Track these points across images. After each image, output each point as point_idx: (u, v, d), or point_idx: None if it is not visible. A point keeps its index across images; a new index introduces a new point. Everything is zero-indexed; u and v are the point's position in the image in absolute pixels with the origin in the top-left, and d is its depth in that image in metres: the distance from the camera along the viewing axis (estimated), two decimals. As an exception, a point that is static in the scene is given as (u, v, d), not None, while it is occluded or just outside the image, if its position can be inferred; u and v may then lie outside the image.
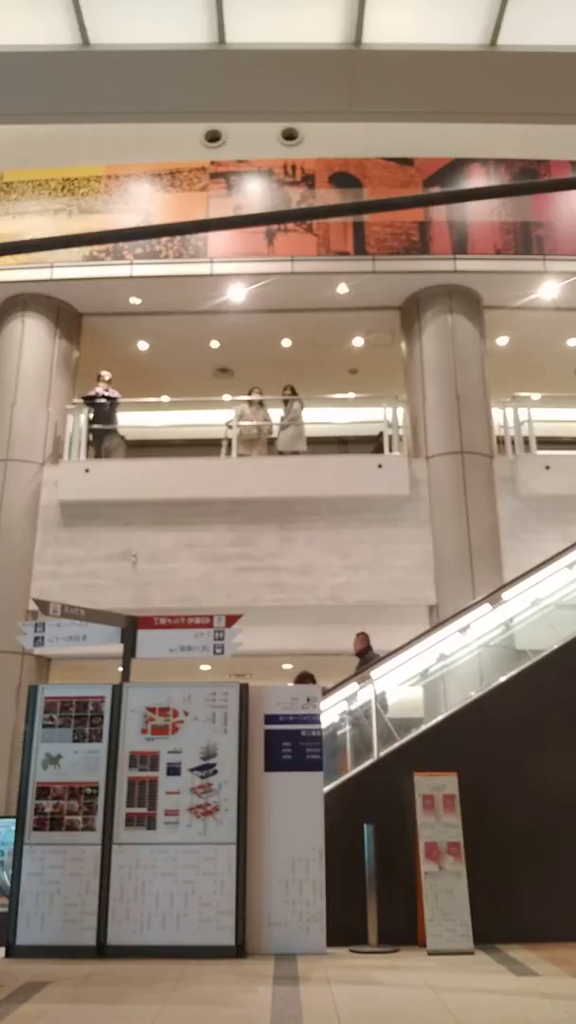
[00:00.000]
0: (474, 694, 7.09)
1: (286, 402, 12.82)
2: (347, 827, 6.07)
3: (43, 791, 5.89)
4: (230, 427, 12.34)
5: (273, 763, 5.98)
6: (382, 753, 6.72)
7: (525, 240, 12.87)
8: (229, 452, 12.19)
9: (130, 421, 13.81)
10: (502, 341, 13.75)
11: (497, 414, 12.72)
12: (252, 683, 6.26)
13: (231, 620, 6.51)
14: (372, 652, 9.29)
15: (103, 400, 12.58)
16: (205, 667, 11.23)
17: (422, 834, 6.00)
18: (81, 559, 11.57)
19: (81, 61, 13.25)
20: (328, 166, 13.28)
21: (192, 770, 5.88)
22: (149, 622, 6.60)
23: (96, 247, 12.41)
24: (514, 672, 7.02)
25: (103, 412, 12.54)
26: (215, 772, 5.87)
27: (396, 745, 6.77)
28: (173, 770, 5.89)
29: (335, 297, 12.99)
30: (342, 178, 13.20)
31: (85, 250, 12.53)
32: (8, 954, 5.57)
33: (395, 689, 7.70)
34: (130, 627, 6.58)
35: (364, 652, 9.41)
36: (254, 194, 13.15)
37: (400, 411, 12.52)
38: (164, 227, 8.97)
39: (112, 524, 11.68)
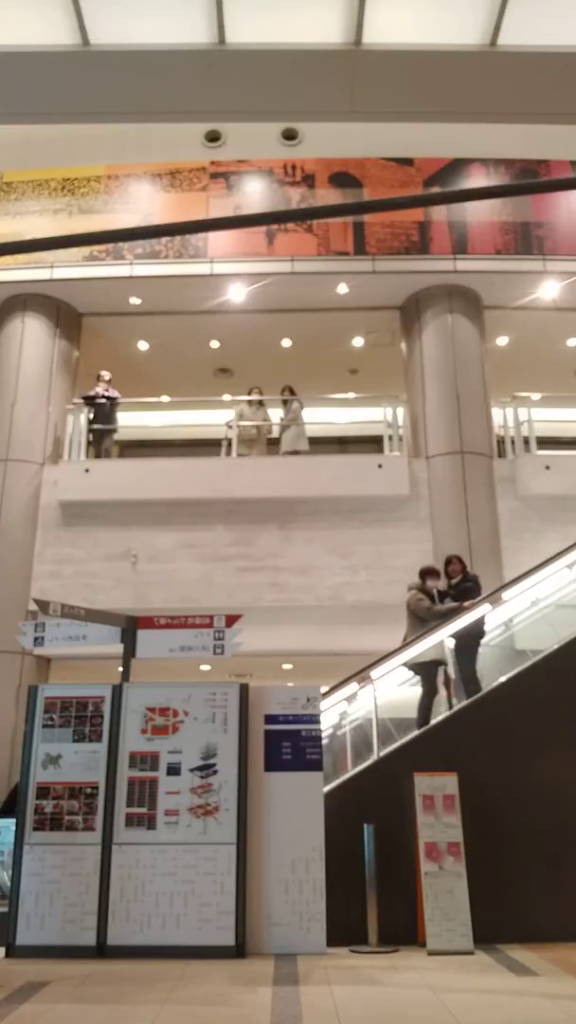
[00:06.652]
0: (474, 694, 7.09)
1: (286, 402, 12.82)
2: (347, 827, 6.07)
3: (43, 791, 5.90)
4: (230, 427, 12.34)
5: (273, 763, 5.99)
6: (382, 753, 6.73)
7: (525, 240, 12.86)
8: (229, 452, 12.19)
9: (130, 421, 13.80)
10: (502, 341, 13.73)
11: (497, 414, 12.72)
12: (252, 683, 6.26)
13: (231, 620, 6.51)
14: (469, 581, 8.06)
15: (103, 400, 12.57)
16: (205, 667, 11.22)
17: (422, 834, 6.00)
18: (81, 559, 11.56)
19: (81, 61, 13.24)
20: (328, 166, 13.26)
21: (192, 770, 5.89)
22: (149, 622, 6.61)
23: (96, 247, 12.40)
24: (514, 672, 7.03)
25: (103, 412, 12.53)
26: (215, 772, 5.87)
27: (396, 745, 6.77)
28: (173, 770, 5.89)
29: (335, 297, 12.98)
30: (342, 178, 13.19)
31: (85, 250, 12.53)
32: (8, 954, 5.58)
33: (396, 689, 7.70)
34: (130, 627, 6.58)
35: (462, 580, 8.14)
36: (254, 194, 13.14)
37: (400, 411, 12.52)
38: (164, 227, 8.95)
39: (112, 524, 11.67)
